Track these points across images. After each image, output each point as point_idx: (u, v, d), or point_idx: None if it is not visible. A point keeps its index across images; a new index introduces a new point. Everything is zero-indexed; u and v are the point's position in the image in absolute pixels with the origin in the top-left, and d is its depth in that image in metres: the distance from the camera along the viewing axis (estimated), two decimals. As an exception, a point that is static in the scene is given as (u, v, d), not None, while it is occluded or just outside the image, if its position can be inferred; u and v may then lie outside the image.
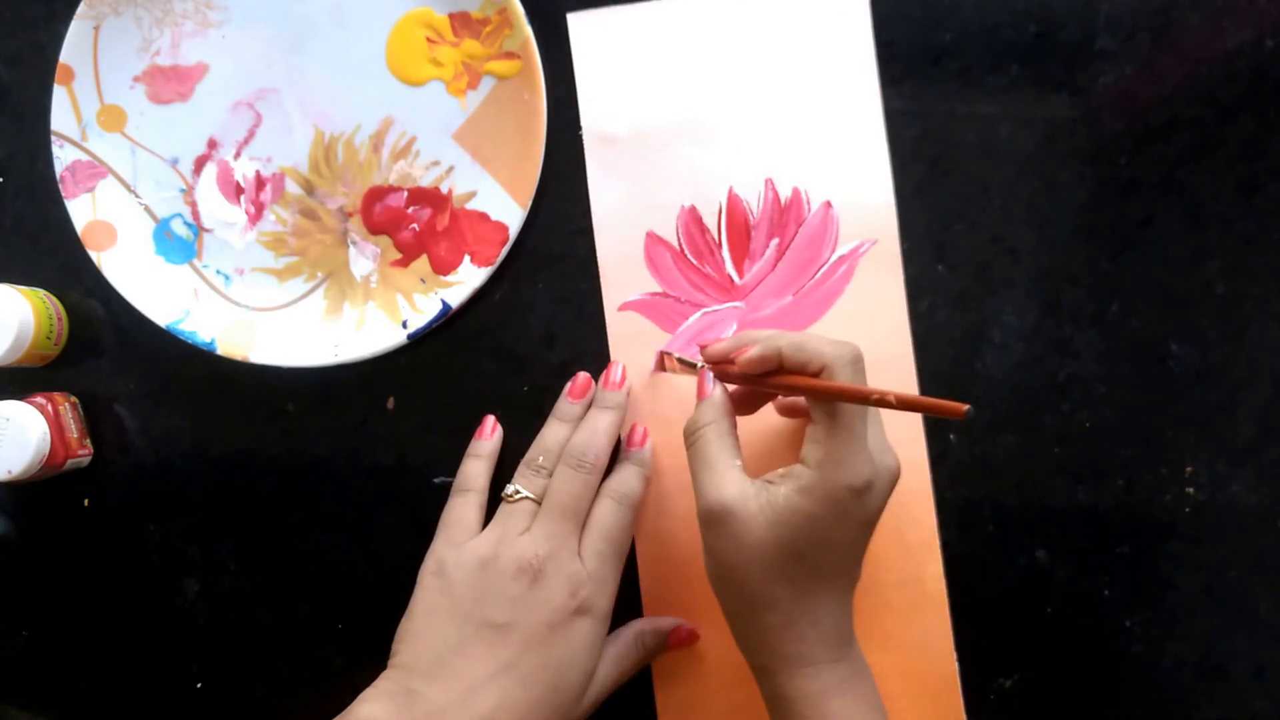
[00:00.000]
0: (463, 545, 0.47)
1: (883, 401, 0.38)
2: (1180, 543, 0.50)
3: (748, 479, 0.42)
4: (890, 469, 0.42)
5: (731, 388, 0.46)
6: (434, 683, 0.44)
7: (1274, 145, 0.50)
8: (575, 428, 0.50)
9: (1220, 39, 0.50)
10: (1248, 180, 0.50)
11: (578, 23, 0.52)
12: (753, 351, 0.42)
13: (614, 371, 0.51)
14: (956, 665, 0.51)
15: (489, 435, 0.51)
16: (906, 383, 0.51)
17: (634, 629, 0.50)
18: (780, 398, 0.49)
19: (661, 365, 0.51)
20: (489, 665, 0.44)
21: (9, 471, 0.50)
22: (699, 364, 0.46)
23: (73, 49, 0.52)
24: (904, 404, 0.38)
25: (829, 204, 0.52)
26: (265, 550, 0.54)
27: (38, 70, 0.53)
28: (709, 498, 0.42)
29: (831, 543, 0.41)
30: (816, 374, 0.41)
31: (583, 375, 0.51)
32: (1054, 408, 0.51)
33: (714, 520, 0.42)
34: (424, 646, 0.45)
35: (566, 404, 0.51)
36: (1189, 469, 0.50)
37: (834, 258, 0.52)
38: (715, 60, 0.52)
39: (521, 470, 0.50)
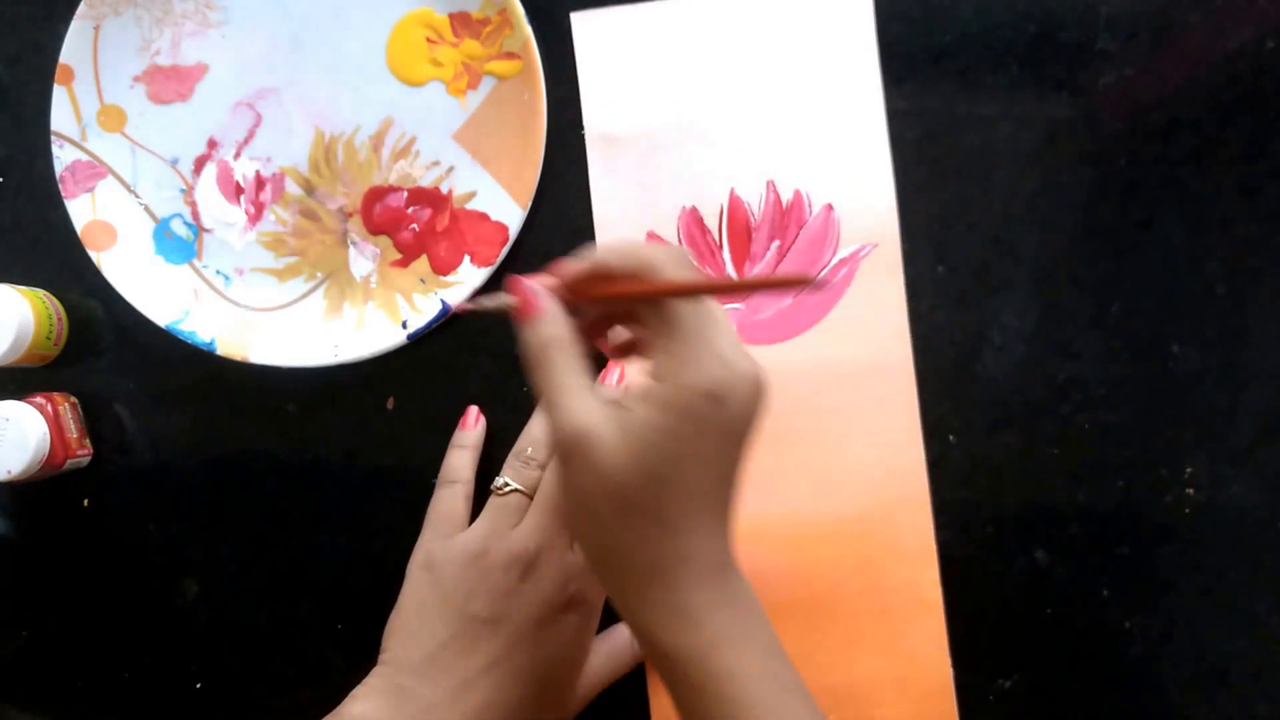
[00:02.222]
0: (451, 539, 0.47)
1: (719, 287, 0.35)
2: (1180, 544, 0.50)
3: (602, 402, 0.38)
4: (748, 375, 0.37)
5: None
6: (424, 679, 0.44)
7: (1275, 146, 0.50)
8: None
9: (1221, 40, 0.50)
10: (1248, 181, 0.50)
11: (581, 22, 0.52)
12: (574, 264, 0.38)
13: (611, 372, 0.51)
14: (951, 672, 0.51)
15: (473, 426, 0.51)
16: (906, 387, 0.51)
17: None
18: (612, 343, 0.44)
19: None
20: (480, 660, 0.44)
21: (9, 472, 0.50)
22: (508, 302, 0.41)
23: (73, 49, 0.52)
24: (746, 286, 0.35)
25: (830, 207, 0.52)
26: (265, 550, 0.54)
27: (38, 70, 0.53)
28: (568, 424, 0.37)
29: (693, 459, 0.36)
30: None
31: None
32: (1054, 409, 0.51)
33: (573, 448, 0.36)
34: (414, 642, 0.45)
35: None
36: (1189, 470, 0.50)
37: (834, 260, 0.52)
38: (718, 61, 0.52)
39: (510, 463, 0.49)
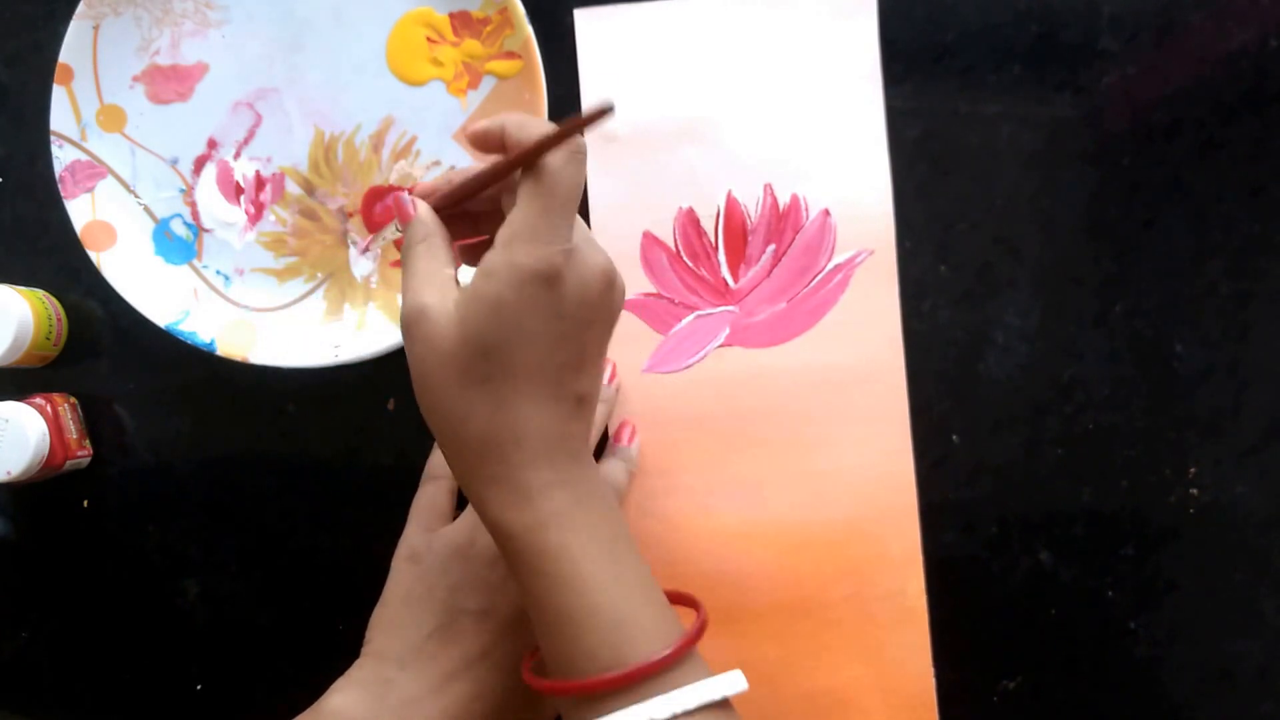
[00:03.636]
0: (437, 532, 0.47)
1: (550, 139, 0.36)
2: (1184, 544, 0.50)
3: (455, 283, 0.38)
4: (592, 263, 0.37)
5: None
6: (408, 671, 0.43)
7: (1277, 145, 0.50)
8: None
9: (1223, 39, 0.50)
10: (1251, 180, 0.50)
11: (584, 19, 0.52)
12: (479, 124, 0.40)
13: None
14: (934, 682, 0.50)
15: None
16: (897, 396, 0.51)
17: None
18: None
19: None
20: (464, 652, 0.44)
21: (8, 472, 0.50)
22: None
23: (72, 49, 0.52)
24: (562, 131, 0.35)
25: (827, 212, 0.51)
26: (265, 550, 0.54)
27: (37, 70, 0.53)
28: (409, 303, 0.38)
29: (525, 335, 0.36)
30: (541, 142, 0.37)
31: None
32: (1057, 409, 0.51)
33: (411, 324, 0.38)
34: (399, 634, 0.45)
35: None
36: (1192, 470, 0.50)
37: (829, 266, 0.51)
38: (720, 62, 0.52)
39: None
